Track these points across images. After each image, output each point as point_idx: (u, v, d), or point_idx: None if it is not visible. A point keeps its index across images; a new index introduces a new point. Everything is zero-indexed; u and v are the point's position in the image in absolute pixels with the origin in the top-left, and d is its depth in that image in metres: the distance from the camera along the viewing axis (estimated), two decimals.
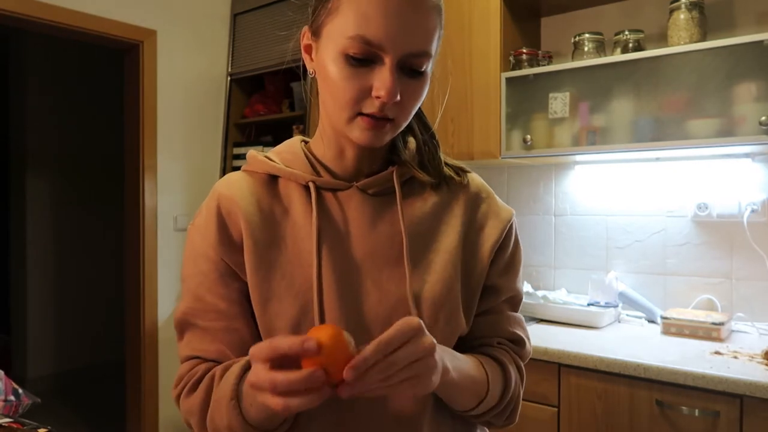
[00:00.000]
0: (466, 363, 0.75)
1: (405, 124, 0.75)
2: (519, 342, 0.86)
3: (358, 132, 0.71)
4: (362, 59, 0.68)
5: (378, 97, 0.68)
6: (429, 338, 0.61)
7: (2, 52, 4.34)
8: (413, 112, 0.74)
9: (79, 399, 4.01)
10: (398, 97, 0.68)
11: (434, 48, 0.72)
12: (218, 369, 0.73)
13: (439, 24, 0.72)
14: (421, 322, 0.61)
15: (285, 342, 0.56)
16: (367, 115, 0.70)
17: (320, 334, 0.57)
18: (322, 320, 0.73)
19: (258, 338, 0.75)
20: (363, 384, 0.56)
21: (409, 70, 0.70)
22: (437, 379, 0.63)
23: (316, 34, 0.74)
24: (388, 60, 0.67)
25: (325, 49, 0.71)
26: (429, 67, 0.73)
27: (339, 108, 0.71)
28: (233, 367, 0.71)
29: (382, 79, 0.67)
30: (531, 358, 1.76)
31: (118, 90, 3.77)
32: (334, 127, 0.75)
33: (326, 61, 0.71)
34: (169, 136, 2.92)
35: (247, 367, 0.69)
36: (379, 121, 0.70)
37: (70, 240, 4.35)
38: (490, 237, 0.82)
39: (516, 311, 0.88)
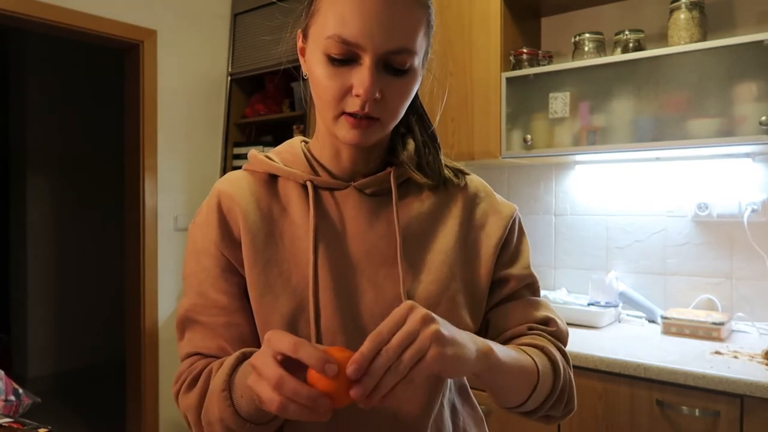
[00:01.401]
0: (508, 349, 0.71)
1: (393, 124, 0.74)
2: (550, 322, 0.82)
3: (344, 131, 0.71)
4: (342, 59, 0.68)
5: (358, 95, 0.68)
6: (422, 311, 0.59)
7: (2, 52, 4.34)
8: (401, 111, 0.74)
9: (79, 399, 4.01)
10: (377, 95, 0.68)
11: (418, 44, 0.71)
12: (215, 364, 0.73)
13: (425, 19, 0.71)
14: (413, 302, 0.60)
15: (308, 352, 0.55)
16: (351, 114, 0.70)
17: (338, 356, 0.56)
18: (317, 318, 0.73)
19: (256, 334, 0.76)
20: (378, 385, 0.55)
21: (392, 69, 0.70)
22: (465, 353, 0.60)
23: (305, 36, 0.75)
24: (366, 58, 0.68)
25: (311, 51, 0.72)
26: (417, 64, 0.72)
27: (324, 107, 0.72)
28: (228, 359, 0.70)
29: (360, 78, 0.68)
30: None
31: (118, 90, 3.78)
32: (326, 126, 0.76)
33: (312, 63, 0.72)
34: (170, 135, 2.92)
35: (242, 359, 0.69)
36: (362, 120, 0.70)
37: (70, 240, 4.35)
38: (492, 235, 0.82)
39: (538, 296, 0.86)
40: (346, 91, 0.69)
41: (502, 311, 0.83)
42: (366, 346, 0.56)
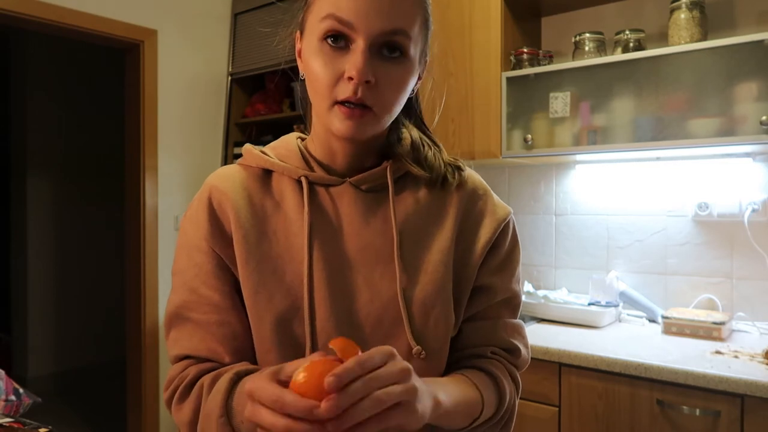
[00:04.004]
0: (457, 389, 0.72)
1: (388, 117, 0.73)
2: (514, 351, 0.83)
3: (338, 122, 0.70)
4: (337, 38, 0.68)
5: (350, 78, 0.67)
6: (404, 363, 0.59)
7: (2, 52, 4.34)
8: (395, 104, 0.72)
9: (79, 398, 4.01)
10: (371, 78, 0.68)
11: (414, 31, 0.71)
12: (206, 379, 0.71)
13: (420, 11, 0.71)
14: (393, 349, 0.59)
15: (293, 403, 0.53)
16: (344, 102, 0.69)
17: (312, 373, 0.55)
18: (312, 318, 0.72)
19: (249, 332, 0.75)
20: (353, 409, 0.53)
21: (388, 55, 0.69)
22: (425, 409, 0.60)
23: (302, 33, 0.75)
24: (360, 40, 0.68)
25: (307, 44, 0.72)
26: (413, 53, 0.71)
27: (319, 98, 0.71)
28: (221, 381, 0.69)
29: (353, 60, 0.67)
30: (532, 358, 1.76)
31: (119, 89, 3.78)
32: (322, 123, 0.75)
33: (308, 55, 0.72)
34: (170, 135, 2.92)
35: (236, 380, 0.68)
36: (355, 109, 0.69)
37: (71, 239, 4.35)
38: (483, 236, 0.80)
39: (515, 316, 0.85)
40: (339, 77, 0.69)
41: (474, 328, 0.82)
42: (351, 363, 0.54)
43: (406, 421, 0.57)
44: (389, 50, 0.69)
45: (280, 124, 3.03)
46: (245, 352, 0.75)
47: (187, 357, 0.76)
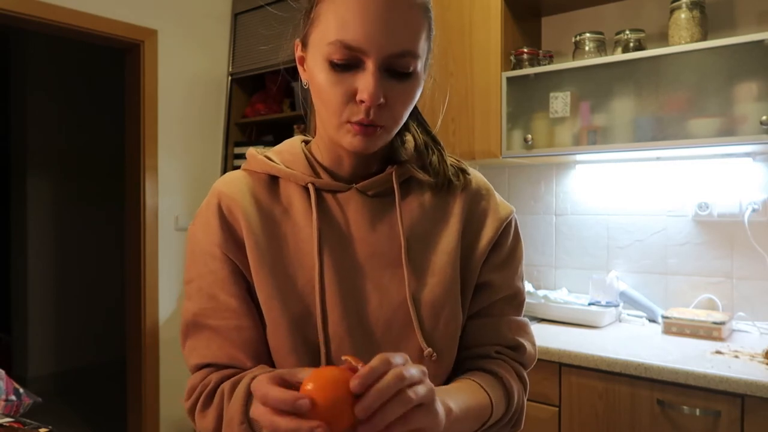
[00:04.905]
0: (465, 395, 0.73)
1: (397, 128, 0.74)
2: (519, 349, 0.83)
3: (349, 139, 0.70)
4: (346, 64, 0.68)
5: (362, 102, 0.67)
6: (419, 366, 0.59)
7: (2, 52, 4.34)
8: (404, 117, 0.73)
9: (80, 398, 4.01)
10: (382, 100, 0.68)
11: (421, 47, 0.70)
12: (226, 385, 0.71)
13: (426, 23, 0.71)
14: (405, 354, 0.59)
15: (275, 397, 0.54)
16: (355, 123, 0.69)
17: (319, 382, 0.55)
18: (324, 322, 0.72)
19: (264, 337, 0.75)
20: (382, 410, 0.54)
21: (396, 72, 0.69)
22: (442, 413, 0.61)
23: (304, 45, 0.74)
24: (370, 63, 0.67)
25: (312, 59, 0.72)
26: (419, 68, 0.71)
27: (329, 115, 0.71)
28: (239, 387, 0.69)
29: (364, 83, 0.67)
30: None
31: (119, 89, 3.78)
32: (329, 134, 0.75)
33: (314, 70, 0.71)
34: (170, 135, 2.92)
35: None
36: (367, 127, 0.69)
37: (71, 239, 4.35)
38: (486, 234, 0.81)
39: (519, 313, 0.85)
40: (350, 97, 0.68)
41: (477, 326, 0.82)
42: (376, 362, 0.55)
43: (429, 423, 0.58)
44: (398, 70, 0.69)
45: (281, 124, 3.03)
46: (264, 356, 0.76)
47: (207, 365, 0.76)
